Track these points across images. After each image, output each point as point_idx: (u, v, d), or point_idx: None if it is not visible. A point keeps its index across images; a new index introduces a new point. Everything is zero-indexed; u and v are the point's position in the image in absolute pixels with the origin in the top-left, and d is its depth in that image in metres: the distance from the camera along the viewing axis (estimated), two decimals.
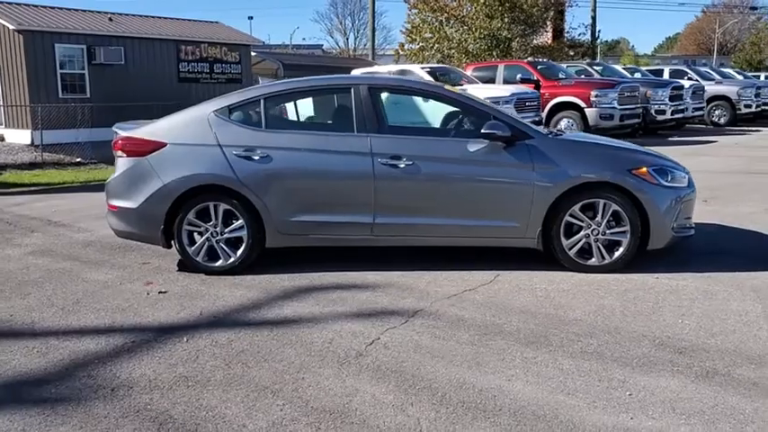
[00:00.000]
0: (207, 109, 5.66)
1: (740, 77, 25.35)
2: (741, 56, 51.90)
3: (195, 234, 5.54)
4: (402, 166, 5.37)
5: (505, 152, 5.38)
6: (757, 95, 21.93)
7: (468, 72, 16.61)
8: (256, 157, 5.43)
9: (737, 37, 73.15)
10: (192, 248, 5.53)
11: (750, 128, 21.28)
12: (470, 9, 26.62)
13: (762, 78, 28.71)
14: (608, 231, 5.39)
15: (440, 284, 5.19)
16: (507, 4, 25.82)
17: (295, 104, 6.07)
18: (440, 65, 19.22)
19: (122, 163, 5.61)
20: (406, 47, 29.37)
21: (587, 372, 3.66)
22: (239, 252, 5.53)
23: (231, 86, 20.93)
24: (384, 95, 5.66)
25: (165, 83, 19.01)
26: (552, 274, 5.40)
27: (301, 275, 5.45)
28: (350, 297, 4.94)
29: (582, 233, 5.42)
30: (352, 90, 5.60)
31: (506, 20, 25.82)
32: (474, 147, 5.41)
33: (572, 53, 30.87)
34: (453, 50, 26.81)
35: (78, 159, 16.56)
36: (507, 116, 5.65)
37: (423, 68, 14.49)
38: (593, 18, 32.24)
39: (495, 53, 25.96)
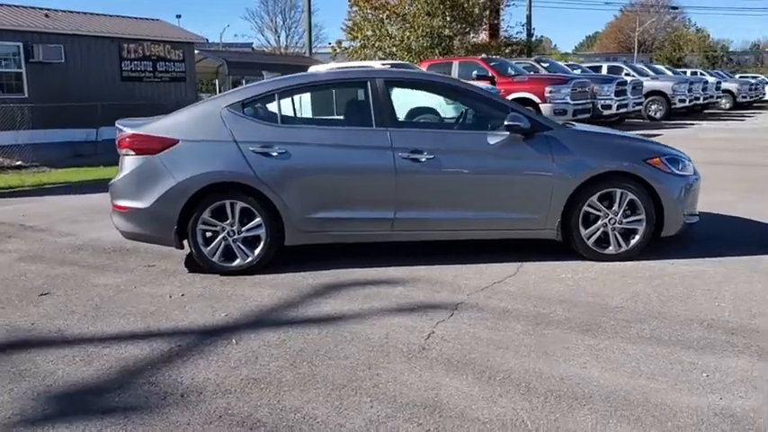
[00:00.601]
0: (219, 104, 5.49)
1: (671, 74, 26.38)
2: (662, 54, 53.97)
3: (210, 234, 5.32)
4: (423, 160, 5.34)
5: (525, 144, 5.41)
6: (690, 90, 22.93)
7: (424, 69, 16.67)
8: (274, 154, 5.29)
9: (654, 35, 76.15)
10: (208, 249, 5.35)
11: (685, 121, 22.18)
12: (411, 7, 26.74)
13: (688, 74, 29.95)
14: (624, 220, 5.49)
15: (466, 277, 5.18)
16: (448, 2, 26.08)
17: (310, 99, 5.93)
18: (399, 61, 19.21)
19: (130, 161, 5.37)
20: (345, 44, 29.30)
21: (655, 356, 3.71)
22: (257, 251, 5.38)
23: (175, 86, 20.44)
24: (400, 89, 5.58)
25: (107, 82, 18.33)
26: (572, 263, 5.47)
27: (322, 273, 5.35)
28: (383, 293, 4.87)
29: (599, 222, 5.50)
30: (369, 84, 5.52)
31: (448, 18, 26.06)
32: (494, 139, 5.42)
33: (508, 51, 31.42)
34: (395, 48, 26.88)
35: (19, 162, 15.83)
36: (524, 108, 5.68)
37: (384, 64, 14.47)
38: (529, 17, 32.92)
39: (437, 51, 26.17)
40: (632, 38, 71.59)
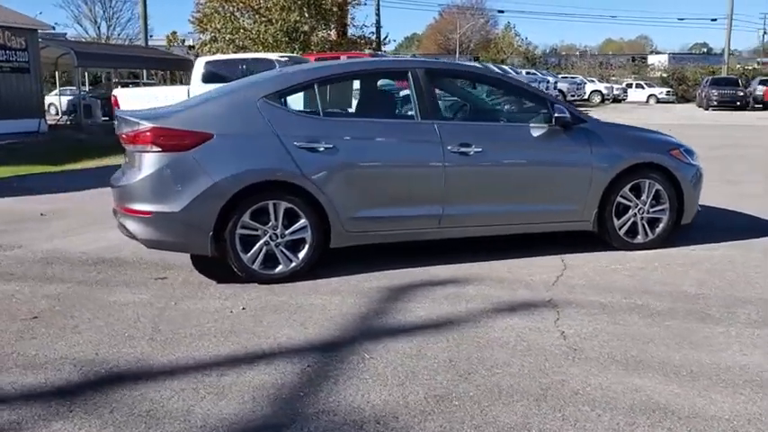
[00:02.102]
0: (253, 94, 4.93)
1: (524, 74, 28.11)
2: (487, 56, 57.04)
3: (250, 238, 4.81)
4: (471, 153, 5.15)
5: (565, 136, 5.39)
6: (578, 89, 27.01)
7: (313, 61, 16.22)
8: (321, 149, 4.85)
9: (470, 38, 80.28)
10: (248, 255, 4.79)
11: None
12: (266, 1, 26.02)
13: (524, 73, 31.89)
14: (651, 210, 5.64)
15: (522, 273, 5.09)
16: None
17: (350, 89, 5.49)
18: (293, 54, 18.53)
19: (154, 159, 4.67)
20: (193, 36, 27.92)
21: None
22: (301, 256, 4.91)
23: (17, 77, 18.32)
24: (441, 80, 5.34)
25: None
26: (607, 254, 5.56)
27: (372, 275, 5.02)
28: (460, 293, 4.65)
29: (630, 213, 5.62)
30: (410, 74, 5.22)
31: (305, 14, 25.67)
32: (537, 132, 5.35)
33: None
34: (250, 41, 26.04)
35: None
36: (561, 101, 5.65)
37: (281, 56, 13.91)
38: (378, 16, 33.31)
39: (295, 46, 25.69)
40: (451, 40, 74.97)
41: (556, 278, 4.95)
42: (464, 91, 6.09)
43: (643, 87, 44.49)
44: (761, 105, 34.40)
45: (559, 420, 2.96)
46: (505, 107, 5.83)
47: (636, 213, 5.62)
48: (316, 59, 16.69)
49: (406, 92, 5.29)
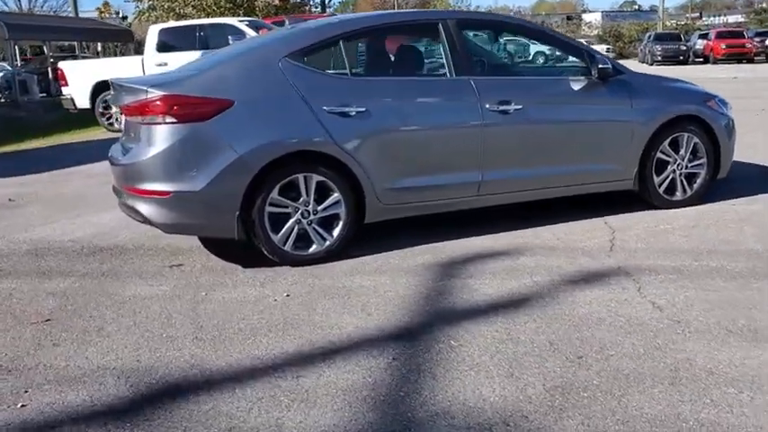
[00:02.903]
0: (273, 54, 4.37)
1: None
2: None
3: (279, 217, 4.31)
4: (511, 111, 4.72)
5: (605, 90, 5.02)
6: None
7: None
8: (353, 113, 4.34)
9: (407, 0, 79.39)
10: (279, 235, 4.28)
11: None
12: None
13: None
14: (689, 165, 5.34)
15: (573, 239, 4.76)
16: None
17: (378, 45, 4.96)
18: (253, 18, 17.57)
19: (168, 132, 4.08)
20: (125, 7, 26.47)
21: None
22: (336, 233, 4.43)
23: None
24: (474, 31, 4.87)
25: None
26: (647, 214, 5.28)
27: (412, 251, 4.59)
28: (515, 265, 4.28)
29: (669, 169, 5.31)
30: (440, 26, 4.74)
31: None
32: (577, 85, 4.95)
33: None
34: (191, 8, 24.83)
35: None
36: (595, 49, 5.25)
37: (240, 21, 13.11)
38: None
39: (239, 12, 24.60)
40: (387, 2, 73.99)
41: (610, 243, 4.61)
42: (497, 43, 5.60)
43: None
44: (701, 59, 34.95)
45: (710, 407, 2.59)
46: (540, 59, 5.39)
47: (675, 169, 5.30)
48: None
49: (436, 47, 4.79)
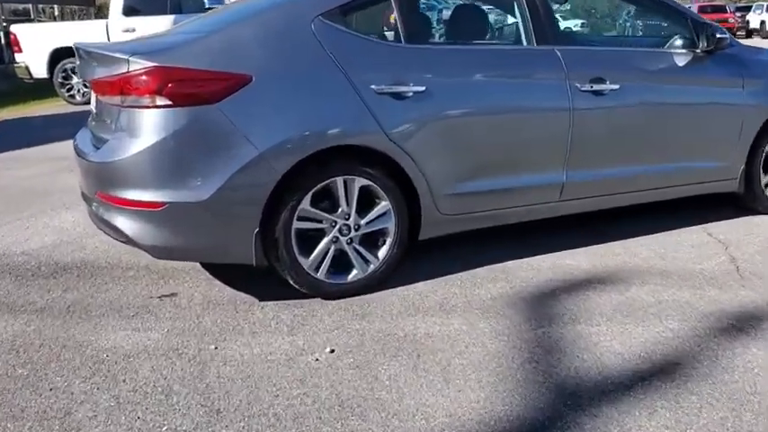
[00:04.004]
0: (302, 11, 3.18)
1: None
2: None
3: (310, 234, 3.21)
4: (606, 93, 3.62)
5: (713, 66, 3.94)
6: None
7: None
8: (410, 94, 3.19)
9: None
10: (310, 259, 3.15)
11: None
12: None
13: None
14: None
15: (681, 258, 3.76)
16: None
17: (440, 3, 3.78)
18: None
19: (160, 119, 2.90)
20: None
21: None
22: (382, 253, 3.31)
23: None
24: None
25: None
26: (749, 221, 4.30)
27: (469, 275, 3.54)
28: (636, 302, 3.26)
29: None
30: None
31: None
32: (681, 60, 3.85)
33: None
34: None
35: None
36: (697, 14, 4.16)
37: None
38: None
39: None
40: None
41: (733, 265, 3.61)
42: (584, 5, 4.47)
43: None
44: None
45: None
46: (642, 28, 4.29)
47: None
48: None
49: (512, 6, 3.64)
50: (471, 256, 3.67)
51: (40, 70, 11.48)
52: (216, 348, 2.82)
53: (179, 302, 3.29)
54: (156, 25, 8.88)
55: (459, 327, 2.93)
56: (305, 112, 3.03)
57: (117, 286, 3.50)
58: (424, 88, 3.21)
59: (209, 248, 3.06)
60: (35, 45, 11.54)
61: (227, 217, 2.98)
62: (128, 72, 2.90)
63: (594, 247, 3.85)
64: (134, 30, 10.43)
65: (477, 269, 3.56)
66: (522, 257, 3.70)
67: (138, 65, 2.88)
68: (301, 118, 3.02)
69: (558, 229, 3.98)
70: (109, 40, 10.86)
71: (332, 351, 2.77)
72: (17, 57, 11.71)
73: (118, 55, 2.96)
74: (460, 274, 3.50)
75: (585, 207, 3.84)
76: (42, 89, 12.02)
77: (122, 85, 2.92)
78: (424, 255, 3.63)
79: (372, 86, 3.12)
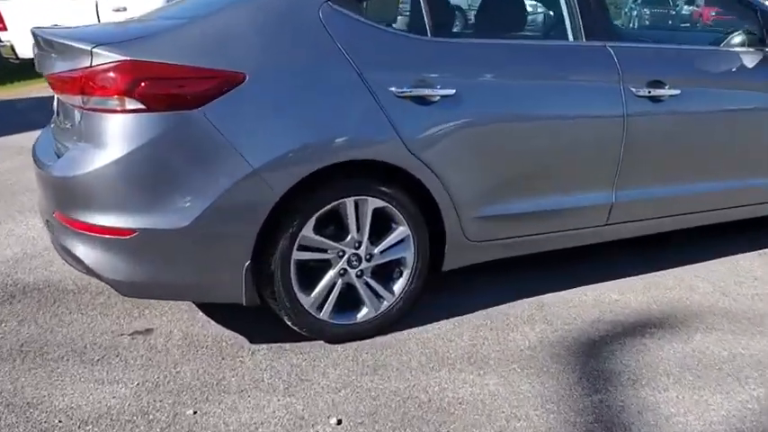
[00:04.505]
0: None
1: None
2: None
3: (313, 267, 2.63)
4: (665, 98, 3.04)
5: None
6: None
7: None
8: (436, 98, 2.62)
9: None
10: (312, 296, 2.59)
11: None
12: None
13: None
14: None
15: (745, 296, 3.15)
16: None
17: None
18: None
19: (131, 127, 2.33)
20: None
21: None
22: (398, 287, 2.75)
23: None
24: None
25: None
26: None
27: (510, 308, 3.03)
28: (713, 358, 2.71)
29: None
30: None
31: None
32: (751, 60, 3.27)
33: None
34: None
35: None
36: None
37: None
38: None
39: None
40: None
41: None
42: None
43: None
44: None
45: None
46: (691, 21, 3.66)
47: None
48: None
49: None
50: (499, 288, 3.12)
51: (26, 50, 10.81)
52: (195, 413, 2.25)
53: (154, 342, 2.72)
54: (148, 4, 8.24)
55: (495, 389, 2.37)
56: (309, 119, 2.45)
57: (83, 318, 2.93)
58: (453, 91, 2.64)
59: (189, 285, 2.49)
60: (22, 22, 10.87)
61: (212, 247, 2.41)
62: (91, 66, 2.31)
63: (642, 278, 3.30)
64: (125, 9, 9.78)
65: (509, 305, 3.01)
66: (559, 290, 3.14)
67: (104, 58, 2.29)
68: (305, 127, 2.44)
69: (595, 256, 3.41)
70: (99, 20, 10.22)
71: (339, 422, 2.21)
72: (2, 35, 11.06)
73: (79, 45, 2.37)
74: (489, 311, 2.94)
75: (635, 231, 3.28)
76: (28, 70, 11.35)
77: (84, 83, 2.34)
78: (444, 286, 3.07)
79: (392, 88, 2.55)
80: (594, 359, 2.58)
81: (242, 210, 2.40)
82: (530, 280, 3.21)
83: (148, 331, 2.83)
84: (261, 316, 2.72)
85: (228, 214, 2.38)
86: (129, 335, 2.80)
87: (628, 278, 3.29)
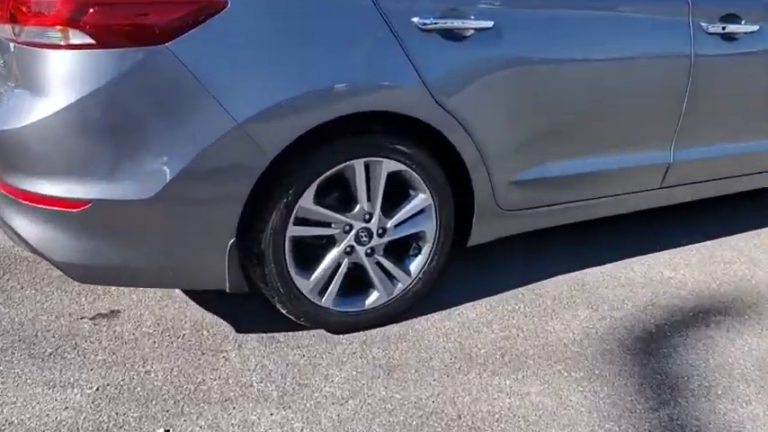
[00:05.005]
0: None
1: None
2: None
3: (312, 245, 2.12)
4: (741, 36, 2.49)
5: None
6: None
7: None
8: (469, 31, 2.07)
9: None
10: (312, 279, 2.10)
11: None
12: None
13: None
14: None
15: None
16: None
17: None
18: None
19: (79, 67, 1.77)
20: None
21: None
22: (415, 266, 2.26)
23: None
24: None
25: None
26: None
27: (542, 287, 2.51)
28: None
29: None
30: None
31: None
32: None
33: None
34: None
35: None
36: None
37: None
38: None
39: None
40: None
41: None
42: None
43: None
44: None
45: None
46: None
47: None
48: None
49: None
50: (531, 263, 2.64)
51: None
52: None
53: (120, 330, 2.23)
54: None
55: (538, 400, 1.90)
56: (308, 58, 1.90)
57: (36, 295, 2.43)
58: (490, 24, 2.09)
59: (158, 270, 1.98)
60: None
61: (185, 222, 1.89)
62: None
63: (694, 249, 2.82)
64: None
65: (544, 284, 2.52)
66: (600, 265, 2.66)
67: None
68: (302, 68, 1.90)
69: (638, 223, 2.91)
70: None
71: None
72: None
73: None
74: (521, 292, 2.46)
75: (693, 195, 2.81)
76: None
77: (13, 6, 1.77)
78: (465, 262, 2.57)
79: (414, 19, 1.99)
80: (655, 358, 2.11)
81: (223, 175, 1.87)
82: (566, 253, 2.72)
83: (114, 314, 2.33)
84: (250, 296, 2.22)
85: (206, 181, 1.86)
86: (91, 319, 2.31)
87: (679, 249, 2.81)
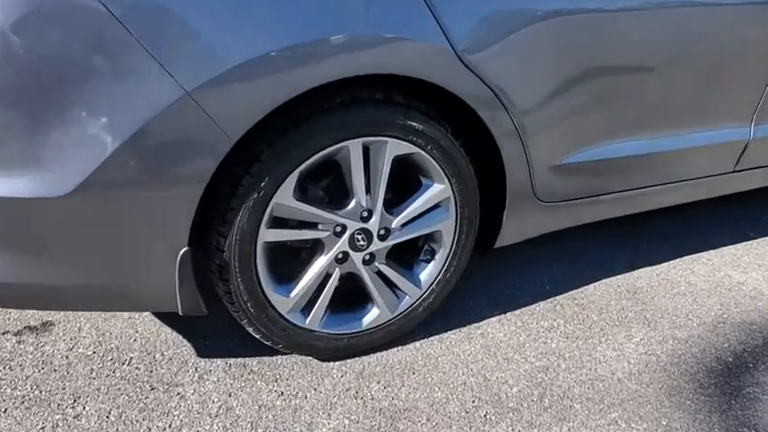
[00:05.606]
0: None
1: None
2: None
3: (292, 252, 1.58)
4: None
5: None
6: None
7: None
8: None
9: None
10: (293, 295, 1.56)
11: None
12: None
13: None
14: None
15: None
16: None
17: None
18: None
19: None
20: None
21: None
22: (426, 275, 1.75)
23: None
24: None
25: None
26: None
27: (584, 294, 1.99)
28: None
29: None
30: None
31: None
32: None
33: None
34: None
35: None
36: None
37: None
38: None
39: None
40: None
41: None
42: None
43: None
44: None
45: None
46: None
47: None
48: None
49: None
50: (567, 263, 2.11)
51: None
52: None
53: (51, 350, 1.74)
54: None
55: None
56: (285, 3, 1.33)
57: None
58: None
59: (85, 289, 1.45)
60: None
61: (118, 227, 1.36)
62: None
63: (764, 242, 2.27)
64: None
65: (585, 290, 2.00)
66: (652, 265, 2.14)
67: None
68: (277, 15, 1.33)
69: (688, 213, 2.39)
70: None
71: None
72: None
73: None
74: (558, 301, 1.94)
75: (758, 182, 2.24)
76: None
77: None
78: (486, 263, 2.05)
79: None
80: (737, 401, 1.61)
81: (168, 163, 1.34)
82: (609, 249, 2.21)
83: (46, 327, 1.83)
84: (215, 308, 1.71)
85: (144, 172, 1.33)
86: (15, 334, 1.81)
87: (746, 243, 2.28)
